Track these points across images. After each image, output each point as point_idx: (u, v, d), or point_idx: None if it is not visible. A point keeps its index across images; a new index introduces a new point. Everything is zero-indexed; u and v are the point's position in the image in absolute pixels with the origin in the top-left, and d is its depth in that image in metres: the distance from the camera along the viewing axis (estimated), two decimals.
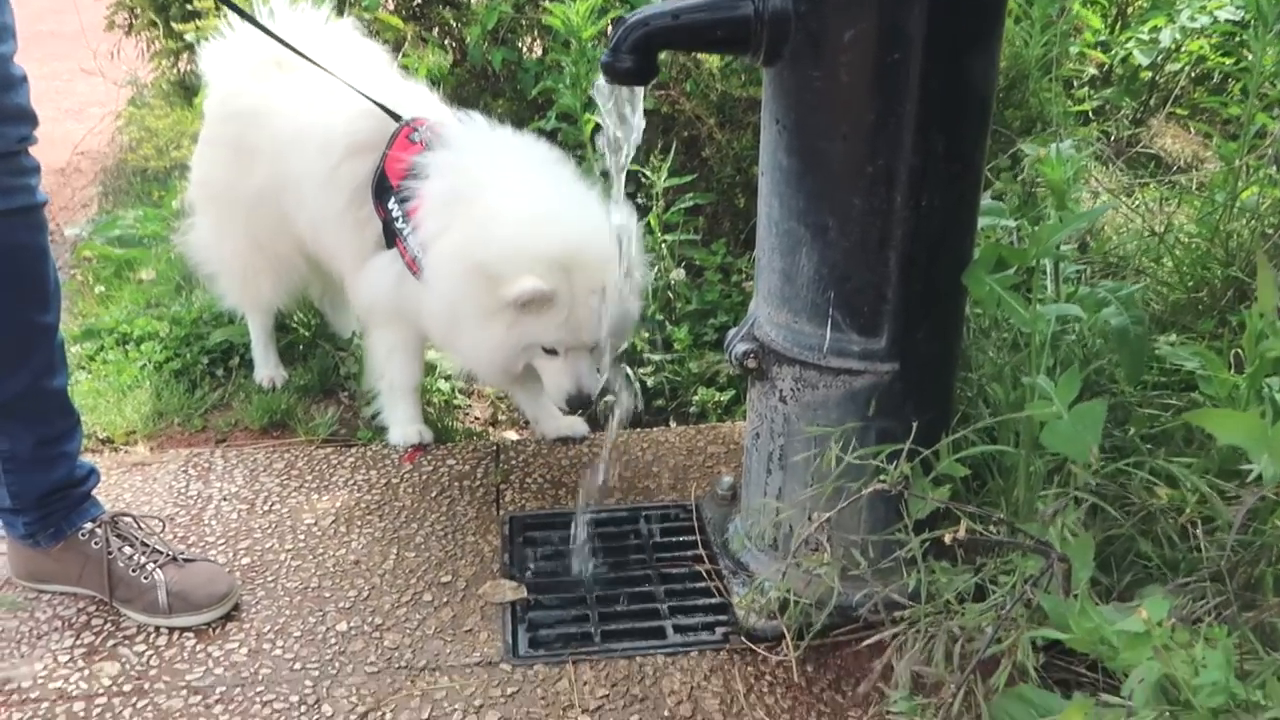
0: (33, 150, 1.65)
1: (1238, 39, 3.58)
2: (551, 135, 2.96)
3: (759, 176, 1.63)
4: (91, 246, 3.28)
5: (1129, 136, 3.65)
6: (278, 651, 1.75)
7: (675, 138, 2.98)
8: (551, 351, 1.98)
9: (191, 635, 1.79)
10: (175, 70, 3.93)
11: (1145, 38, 3.62)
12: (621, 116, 1.57)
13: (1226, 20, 3.43)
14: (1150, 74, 3.80)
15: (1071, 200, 1.70)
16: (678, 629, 1.80)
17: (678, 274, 2.84)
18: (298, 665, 1.72)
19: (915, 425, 1.53)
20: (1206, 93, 3.76)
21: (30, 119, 1.62)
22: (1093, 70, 3.75)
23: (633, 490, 2.20)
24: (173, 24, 3.51)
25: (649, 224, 2.84)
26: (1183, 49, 3.67)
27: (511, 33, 3.22)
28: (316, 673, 1.71)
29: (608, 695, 1.66)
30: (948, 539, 1.26)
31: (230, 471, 2.26)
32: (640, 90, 1.58)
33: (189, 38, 3.34)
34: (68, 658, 1.74)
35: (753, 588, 1.75)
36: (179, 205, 3.30)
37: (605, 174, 1.70)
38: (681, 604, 1.86)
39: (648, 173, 2.78)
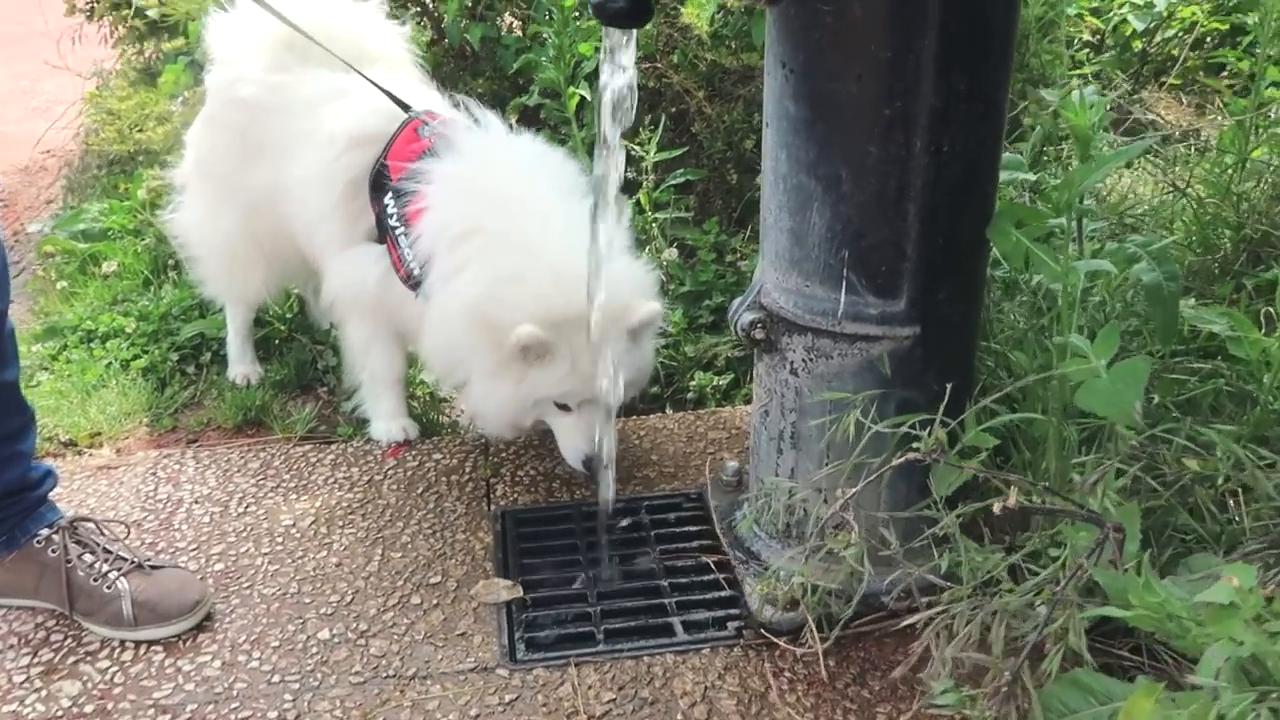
0: None
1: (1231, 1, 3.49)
2: (534, 112, 2.85)
3: (763, 129, 1.52)
4: (54, 241, 3.14)
5: (1122, 107, 3.56)
6: (254, 663, 1.65)
7: (663, 112, 2.85)
8: (564, 407, 1.92)
9: (160, 649, 1.68)
10: (140, 56, 3.79)
11: (1140, 1, 3.53)
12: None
13: None
14: (1141, 44, 3.71)
15: (1096, 148, 1.58)
16: (687, 625, 1.71)
17: (670, 254, 2.74)
18: (276, 678, 1.62)
19: (939, 394, 1.41)
20: (1201, 60, 3.68)
21: None
22: (1087, 35, 3.66)
23: (631, 480, 2.10)
24: (135, 2, 3.37)
25: (639, 202, 2.72)
26: (1175, 15, 3.59)
27: (490, 9, 3.10)
28: (297, 685, 1.61)
29: (614, 699, 1.56)
30: (997, 509, 1.14)
31: (202, 473, 2.15)
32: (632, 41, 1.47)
33: (151, 14, 3.20)
34: (24, 677, 1.64)
35: (767, 577, 1.64)
36: (144, 195, 3.17)
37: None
38: (689, 598, 1.77)
39: (636, 147, 2.66)
